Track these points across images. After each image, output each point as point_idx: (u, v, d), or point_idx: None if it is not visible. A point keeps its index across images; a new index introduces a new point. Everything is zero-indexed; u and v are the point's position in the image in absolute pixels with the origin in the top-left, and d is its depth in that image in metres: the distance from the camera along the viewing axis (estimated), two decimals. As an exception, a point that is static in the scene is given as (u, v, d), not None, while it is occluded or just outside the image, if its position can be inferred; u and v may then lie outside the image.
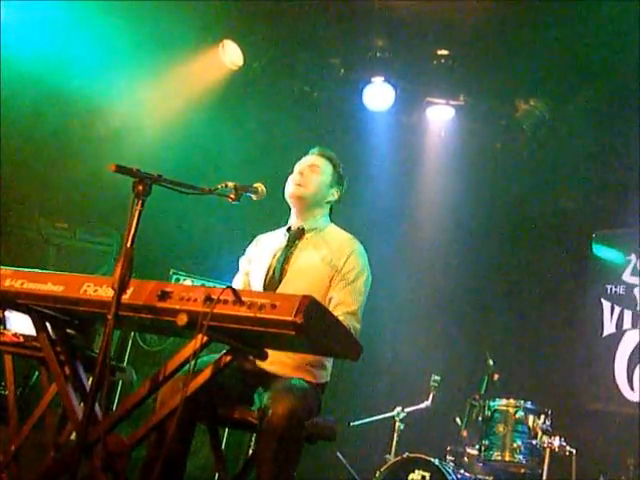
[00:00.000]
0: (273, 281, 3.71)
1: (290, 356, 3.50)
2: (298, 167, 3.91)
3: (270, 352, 2.95)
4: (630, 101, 6.61)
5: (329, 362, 3.71)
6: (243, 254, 4.00)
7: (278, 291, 3.60)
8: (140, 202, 2.79)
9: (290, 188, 3.85)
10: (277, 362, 3.49)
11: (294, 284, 3.61)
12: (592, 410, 6.95)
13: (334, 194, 3.93)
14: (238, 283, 3.88)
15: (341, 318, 3.41)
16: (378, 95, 7.54)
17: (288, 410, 3.14)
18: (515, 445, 5.73)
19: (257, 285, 3.77)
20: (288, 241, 3.84)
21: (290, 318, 2.50)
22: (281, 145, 7.22)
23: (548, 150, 7.61)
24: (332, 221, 3.97)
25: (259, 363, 3.48)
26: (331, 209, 3.97)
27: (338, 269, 3.66)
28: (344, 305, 3.57)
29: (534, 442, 5.71)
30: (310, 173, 3.86)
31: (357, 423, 6.45)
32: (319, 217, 3.89)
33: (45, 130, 6.63)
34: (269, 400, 3.22)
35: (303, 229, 3.85)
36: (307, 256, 3.74)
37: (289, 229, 3.90)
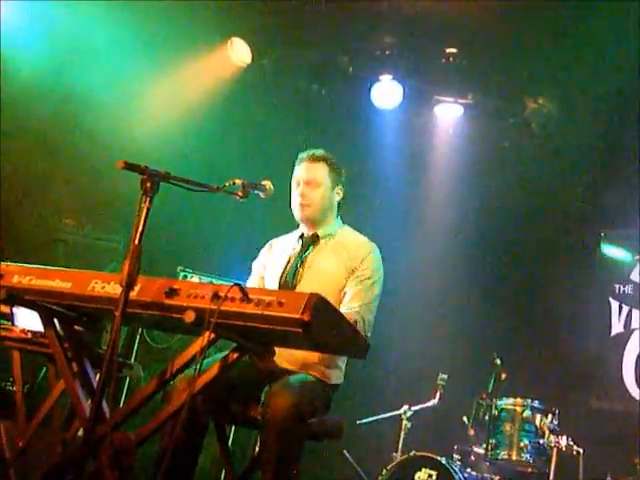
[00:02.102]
0: (287, 287, 3.70)
1: (302, 354, 3.49)
2: (296, 186, 3.86)
3: (282, 349, 2.96)
4: (638, 99, 6.58)
5: (343, 363, 3.71)
6: (255, 258, 4.00)
7: (294, 293, 3.60)
8: (148, 199, 2.79)
9: (297, 212, 3.84)
10: (290, 358, 3.49)
11: (310, 288, 3.58)
12: (599, 409, 6.93)
13: (339, 193, 3.91)
14: (252, 286, 3.87)
15: (355, 310, 3.48)
16: (386, 93, 7.53)
17: (287, 405, 3.13)
18: (522, 444, 5.73)
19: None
20: (302, 247, 3.84)
21: (297, 316, 2.50)
22: (289, 143, 7.20)
23: (557, 148, 7.59)
24: (342, 219, 3.96)
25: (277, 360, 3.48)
26: (339, 205, 3.95)
27: (353, 270, 3.68)
28: (357, 298, 3.60)
29: (541, 441, 5.70)
30: (311, 191, 3.82)
31: (364, 421, 6.44)
32: (331, 221, 3.90)
33: (53, 127, 6.64)
34: (269, 396, 3.23)
35: (317, 235, 3.86)
36: (323, 260, 3.75)
37: (302, 236, 3.89)
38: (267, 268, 3.91)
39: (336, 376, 3.66)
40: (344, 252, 3.75)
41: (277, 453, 3.12)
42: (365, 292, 3.64)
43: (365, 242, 3.83)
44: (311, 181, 3.83)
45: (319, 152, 3.92)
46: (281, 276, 3.77)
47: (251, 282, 3.92)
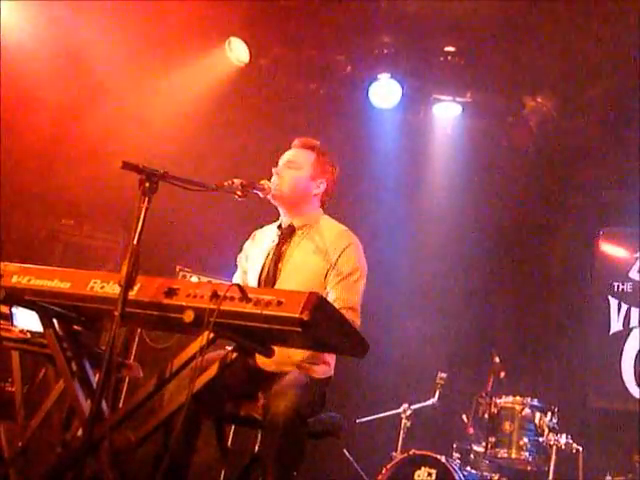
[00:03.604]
0: (268, 282, 3.65)
1: (291, 352, 3.46)
2: (277, 166, 3.81)
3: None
4: (638, 97, 6.59)
5: (331, 357, 3.66)
6: (240, 251, 3.96)
7: (274, 290, 3.56)
8: (147, 199, 2.79)
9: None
10: (278, 359, 3.45)
11: (289, 282, 3.57)
12: (599, 408, 6.94)
13: (319, 186, 3.79)
14: (238, 282, 3.83)
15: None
16: (384, 92, 7.51)
17: (289, 406, 3.12)
18: (521, 443, 5.73)
19: (253, 285, 3.71)
20: (280, 239, 3.76)
21: (296, 315, 2.50)
22: (287, 142, 7.19)
23: (555, 147, 7.59)
24: (326, 213, 3.86)
25: (261, 361, 3.47)
26: (324, 202, 3.86)
27: (332, 263, 3.58)
28: (342, 301, 3.49)
29: (540, 440, 5.70)
30: (286, 170, 3.74)
31: (363, 420, 6.45)
32: (308, 213, 3.78)
33: (51, 126, 6.64)
34: (271, 396, 3.22)
35: (294, 227, 3.76)
36: (301, 252, 3.67)
37: (280, 226, 3.82)
38: (249, 260, 3.86)
39: (323, 371, 3.58)
40: (322, 243, 3.64)
41: (279, 454, 3.11)
42: (348, 293, 3.54)
43: (343, 232, 3.72)
44: (291, 162, 3.78)
45: (311, 140, 3.87)
46: (261, 272, 3.71)
47: (236, 278, 3.86)
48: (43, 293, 2.94)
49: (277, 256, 3.70)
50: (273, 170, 3.76)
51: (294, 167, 3.76)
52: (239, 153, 7.16)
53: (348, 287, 3.57)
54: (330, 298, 3.51)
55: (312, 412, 3.35)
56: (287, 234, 3.76)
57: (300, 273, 3.62)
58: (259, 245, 3.87)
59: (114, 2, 6.32)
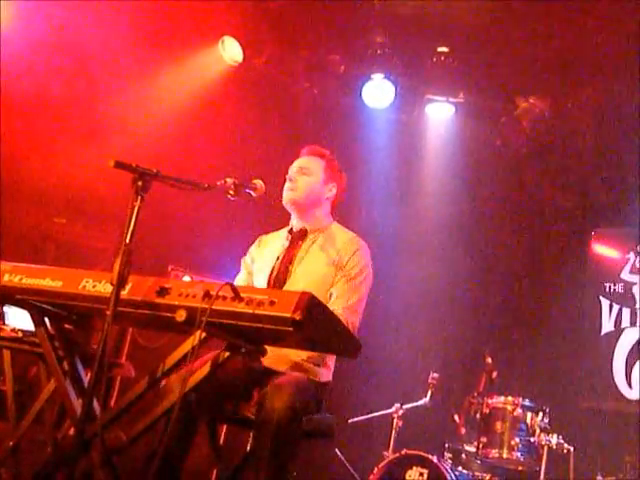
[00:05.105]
0: (278, 283, 3.70)
1: (290, 353, 3.49)
2: (289, 173, 3.91)
3: (272, 349, 2.95)
4: (630, 98, 6.60)
5: (331, 361, 3.70)
6: (245, 254, 3.99)
7: (283, 291, 3.58)
8: (139, 198, 2.79)
9: (284, 195, 3.86)
10: (279, 359, 3.48)
11: (299, 284, 3.59)
12: (590, 408, 6.95)
13: (331, 189, 3.91)
14: (241, 283, 3.85)
15: (339, 312, 3.41)
16: (378, 92, 7.52)
17: (283, 405, 3.13)
18: (513, 443, 5.73)
19: (262, 286, 3.75)
20: (291, 242, 3.83)
21: (288, 315, 2.50)
22: (280, 142, 7.20)
23: (547, 147, 7.61)
24: (335, 219, 3.96)
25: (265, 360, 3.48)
26: (334, 207, 3.96)
27: (342, 267, 3.66)
28: (343, 299, 3.57)
29: (532, 440, 5.71)
30: (300, 176, 3.86)
31: (355, 420, 6.45)
32: (320, 216, 3.89)
33: (43, 124, 6.62)
34: (267, 393, 3.22)
35: (306, 230, 3.85)
36: (312, 257, 3.74)
37: (291, 230, 3.90)
38: (255, 263, 3.90)
39: (325, 374, 3.64)
40: (332, 248, 3.72)
41: (272, 453, 3.11)
42: (351, 293, 3.61)
43: (353, 238, 3.82)
44: (303, 168, 3.88)
45: (319, 148, 3.99)
46: (270, 274, 3.76)
47: (240, 279, 3.91)
48: (35, 292, 2.93)
49: (288, 258, 3.77)
50: (287, 177, 3.88)
51: (307, 173, 3.87)
52: (232, 152, 7.14)
53: (352, 288, 3.64)
54: (333, 296, 3.59)
55: (306, 412, 3.35)
56: (298, 237, 3.84)
57: (310, 276, 3.67)
58: (267, 249, 3.92)
59: (108, 1, 6.30)
